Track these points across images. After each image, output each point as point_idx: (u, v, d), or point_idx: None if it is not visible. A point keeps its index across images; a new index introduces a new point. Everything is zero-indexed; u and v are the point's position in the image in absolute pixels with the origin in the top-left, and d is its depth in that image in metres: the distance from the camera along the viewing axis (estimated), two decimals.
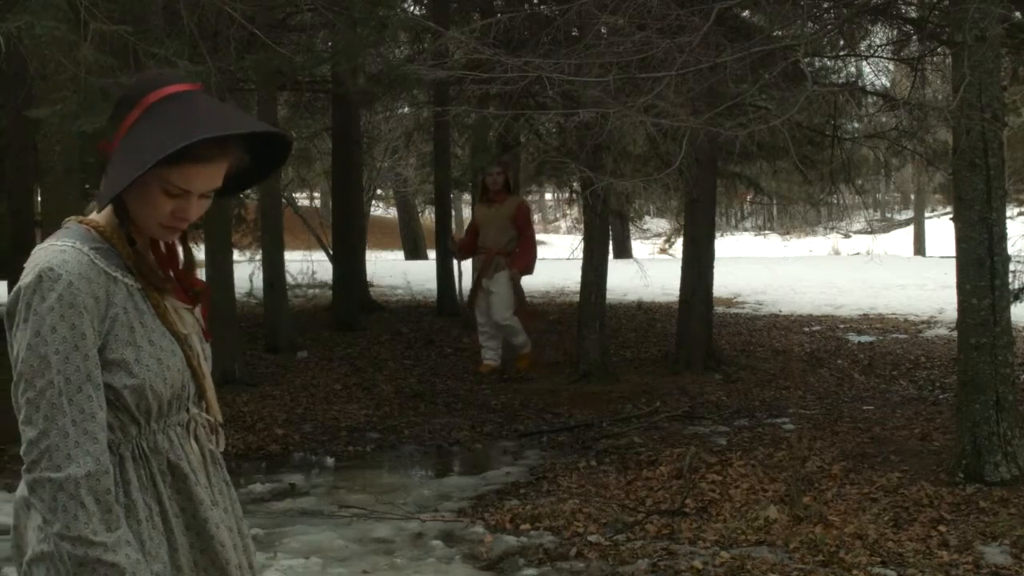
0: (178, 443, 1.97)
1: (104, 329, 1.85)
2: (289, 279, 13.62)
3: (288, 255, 11.36)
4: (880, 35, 9.04)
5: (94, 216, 1.95)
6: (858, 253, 25.74)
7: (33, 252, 1.87)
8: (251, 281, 13.26)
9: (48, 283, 1.80)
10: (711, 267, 9.49)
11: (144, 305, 1.92)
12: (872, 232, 28.85)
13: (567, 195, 15.78)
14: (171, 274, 1.99)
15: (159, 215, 1.89)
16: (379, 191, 26.55)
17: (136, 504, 1.89)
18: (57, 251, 1.84)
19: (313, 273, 15.60)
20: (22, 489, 1.90)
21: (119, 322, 1.86)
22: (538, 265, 9.93)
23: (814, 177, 11.79)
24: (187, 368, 1.98)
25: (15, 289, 1.84)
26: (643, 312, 13.33)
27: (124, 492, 1.89)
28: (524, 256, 9.39)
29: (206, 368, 2.05)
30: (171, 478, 1.95)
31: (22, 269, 1.86)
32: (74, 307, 1.80)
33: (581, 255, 9.37)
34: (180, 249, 2.04)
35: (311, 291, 14.95)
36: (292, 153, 2.09)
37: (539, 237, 14.95)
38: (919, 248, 30.30)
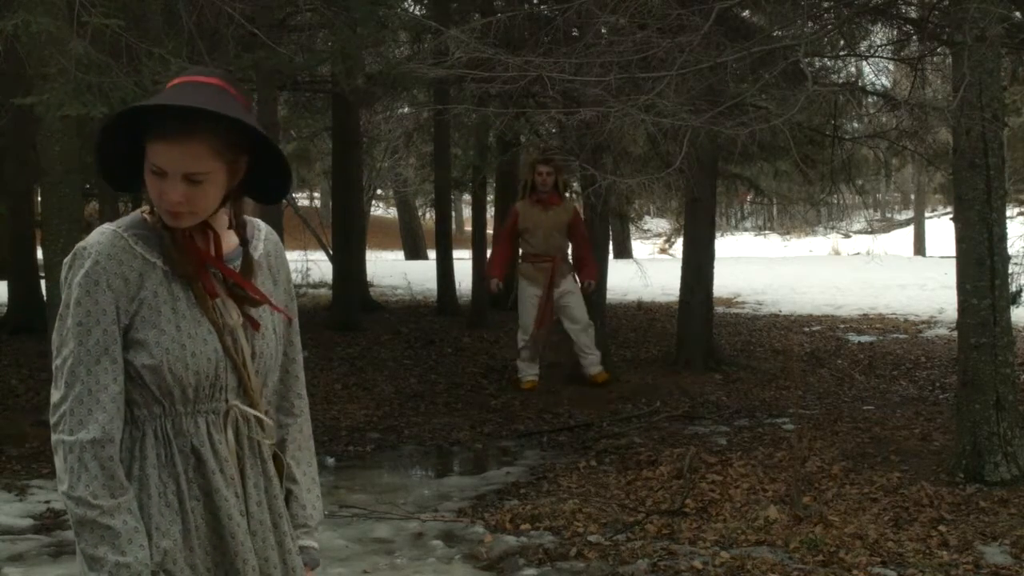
0: (205, 430, 1.98)
1: (132, 309, 1.93)
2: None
3: (288, 255, 11.36)
4: (880, 35, 9.03)
5: None
6: (858, 253, 25.74)
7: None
8: None
9: (79, 260, 1.92)
10: (711, 267, 9.48)
11: (182, 293, 1.97)
12: (872, 232, 28.87)
13: (567, 195, 15.71)
14: (203, 264, 1.99)
15: (153, 195, 1.94)
16: (379, 191, 26.58)
17: (149, 479, 1.94)
18: (97, 232, 1.96)
19: (308, 271, 15.57)
20: None
21: (147, 304, 1.94)
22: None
23: (814, 177, 11.78)
24: (225, 359, 1.99)
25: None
26: (643, 312, 13.32)
27: (139, 466, 1.95)
28: (593, 264, 8.75)
29: (254, 363, 2.04)
30: (194, 461, 1.98)
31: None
32: (98, 284, 1.90)
33: None
34: (242, 250, 2.06)
35: (312, 291, 14.94)
36: (290, 171, 2.08)
37: None
38: (919, 248, 30.31)
